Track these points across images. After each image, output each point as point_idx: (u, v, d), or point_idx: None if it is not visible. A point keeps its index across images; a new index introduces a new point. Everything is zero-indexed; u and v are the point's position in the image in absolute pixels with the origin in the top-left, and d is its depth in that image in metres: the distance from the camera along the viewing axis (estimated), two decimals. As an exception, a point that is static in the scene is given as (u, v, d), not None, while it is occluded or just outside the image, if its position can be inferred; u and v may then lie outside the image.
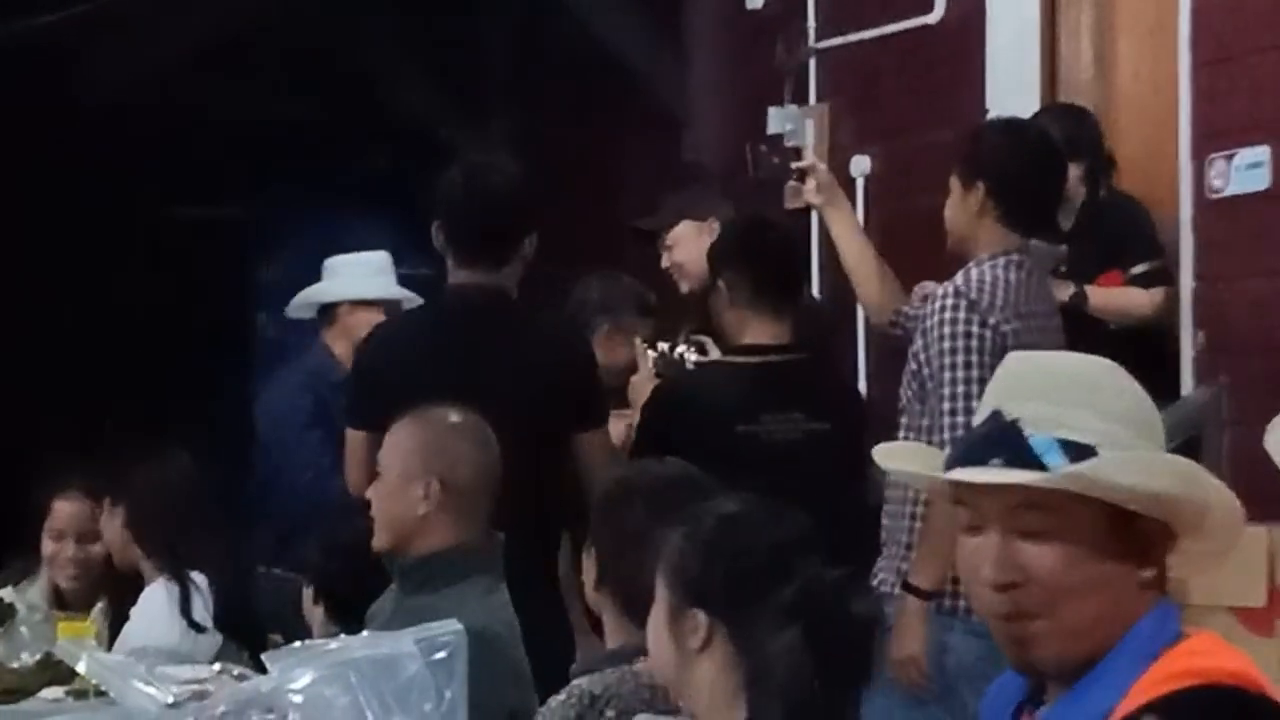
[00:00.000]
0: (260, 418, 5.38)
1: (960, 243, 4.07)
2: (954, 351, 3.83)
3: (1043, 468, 1.99)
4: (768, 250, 4.32)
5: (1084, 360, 2.13)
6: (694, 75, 7.08)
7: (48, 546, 4.58)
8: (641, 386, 4.63)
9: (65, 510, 4.57)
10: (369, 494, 3.52)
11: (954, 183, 4.07)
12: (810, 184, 4.42)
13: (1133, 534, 2.00)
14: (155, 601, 4.19)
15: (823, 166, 4.47)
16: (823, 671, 2.29)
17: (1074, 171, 4.84)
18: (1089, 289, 4.83)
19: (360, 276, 5.38)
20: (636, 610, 2.84)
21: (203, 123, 8.24)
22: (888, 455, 2.25)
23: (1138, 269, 4.90)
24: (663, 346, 4.81)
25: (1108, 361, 2.13)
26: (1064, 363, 2.15)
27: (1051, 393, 2.04)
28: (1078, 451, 1.99)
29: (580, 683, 2.84)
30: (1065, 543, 1.99)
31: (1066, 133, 4.88)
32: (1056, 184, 4.19)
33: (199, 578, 4.21)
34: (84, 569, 4.54)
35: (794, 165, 4.50)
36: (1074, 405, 2.02)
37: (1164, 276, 4.85)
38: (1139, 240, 4.96)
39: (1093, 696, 1.98)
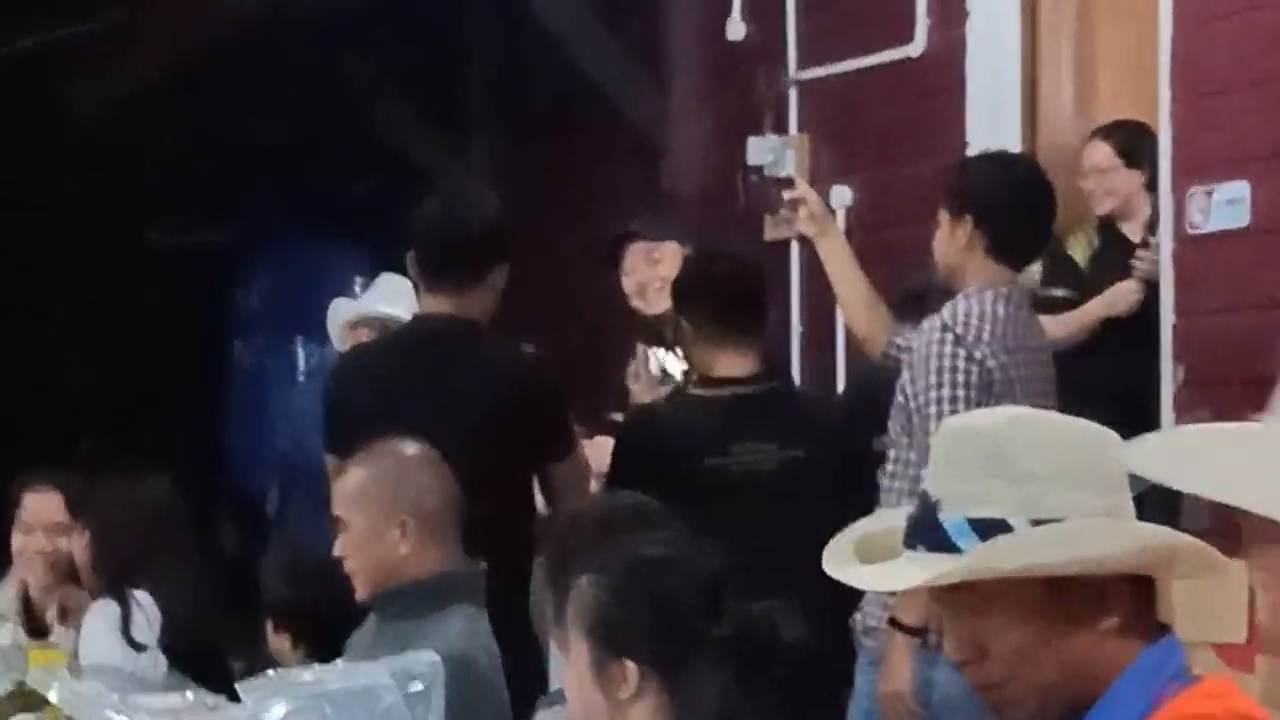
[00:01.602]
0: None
1: (949, 275, 4.04)
2: (940, 385, 3.80)
3: (957, 550, 1.98)
4: (726, 283, 4.30)
5: (991, 424, 2.06)
6: (674, 104, 7.08)
7: (17, 540, 4.59)
8: (641, 394, 4.64)
9: (36, 503, 4.59)
10: (338, 550, 3.45)
11: (942, 215, 4.04)
12: (803, 214, 4.39)
13: (1079, 591, 1.97)
14: (97, 620, 4.23)
15: (815, 196, 4.44)
16: (760, 705, 2.26)
17: (1137, 180, 5.08)
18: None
19: (391, 294, 5.40)
20: None
21: (182, 147, 8.22)
22: (829, 556, 2.16)
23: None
24: (657, 354, 4.82)
25: (1019, 416, 2.09)
26: (971, 430, 2.07)
27: (964, 467, 2.01)
28: (986, 529, 1.96)
29: (543, 715, 2.84)
30: (1011, 614, 1.98)
31: (1124, 144, 5.03)
32: (1046, 216, 4.14)
33: (143, 597, 4.23)
34: (52, 563, 4.53)
35: (786, 195, 4.47)
36: (985, 477, 1.99)
37: None
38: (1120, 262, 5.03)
39: None
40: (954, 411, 3.74)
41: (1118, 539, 1.98)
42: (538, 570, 4.34)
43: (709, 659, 2.27)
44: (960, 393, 3.78)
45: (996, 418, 2.10)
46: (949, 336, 3.84)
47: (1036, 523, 1.97)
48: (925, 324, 3.93)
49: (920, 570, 1.99)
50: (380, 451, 3.47)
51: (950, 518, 1.99)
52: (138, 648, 4.15)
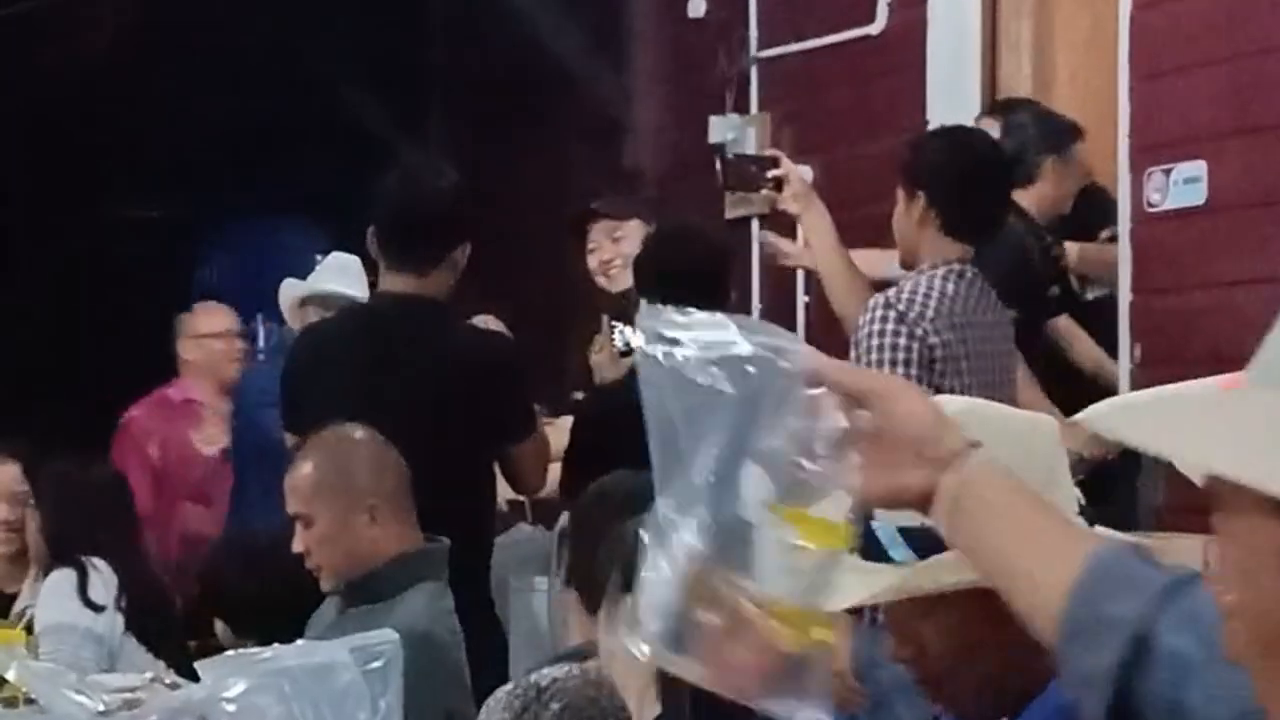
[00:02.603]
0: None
1: (907, 253, 4.02)
2: (880, 364, 3.75)
3: (889, 559, 1.97)
4: (687, 261, 4.29)
5: None
6: (636, 83, 7.08)
7: None
8: (604, 366, 4.63)
9: None
10: (300, 546, 3.43)
11: (899, 192, 4.03)
12: (787, 192, 4.34)
13: None
14: (54, 584, 4.33)
15: (798, 172, 4.39)
16: None
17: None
18: (1067, 245, 4.88)
19: (339, 272, 5.39)
20: (599, 610, 2.88)
21: (142, 123, 8.18)
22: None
23: (1106, 233, 4.97)
24: (622, 330, 4.82)
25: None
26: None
27: None
28: (915, 538, 1.95)
29: (530, 675, 2.87)
30: (949, 616, 1.97)
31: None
32: (999, 192, 4.11)
33: (100, 562, 4.33)
34: (16, 532, 4.57)
35: (770, 173, 4.41)
36: None
37: None
38: (1104, 210, 5.01)
39: (1048, 711, 1.96)
40: None
41: None
42: (498, 551, 4.36)
43: None
44: (899, 370, 3.73)
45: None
46: (891, 314, 3.79)
47: None
48: (870, 300, 3.90)
49: (854, 589, 1.95)
50: (329, 439, 3.44)
51: (881, 525, 1.98)
52: (95, 608, 4.22)
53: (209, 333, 5.96)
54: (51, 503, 4.45)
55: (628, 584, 2.39)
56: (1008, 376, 3.96)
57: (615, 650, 2.48)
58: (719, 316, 1.69)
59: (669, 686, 2.34)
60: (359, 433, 3.45)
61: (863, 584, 1.96)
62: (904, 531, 1.96)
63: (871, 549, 1.99)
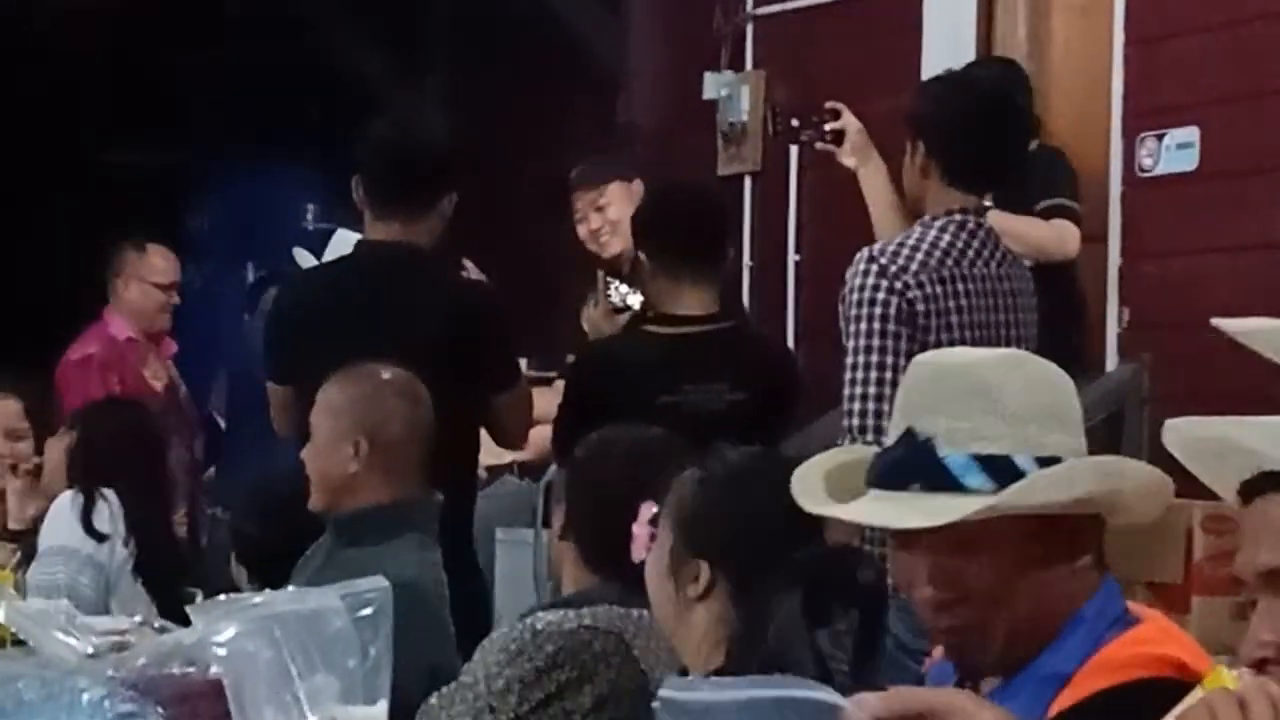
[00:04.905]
0: None
1: (914, 205, 3.84)
2: (859, 319, 3.65)
3: (961, 488, 1.96)
4: (687, 219, 4.25)
5: (980, 361, 2.05)
6: (632, 37, 7.07)
7: None
8: (598, 322, 4.62)
9: None
10: (303, 455, 3.52)
11: (908, 144, 3.90)
12: (846, 145, 4.24)
13: (1063, 530, 1.98)
14: (60, 508, 4.32)
15: (857, 125, 4.26)
16: (826, 638, 2.25)
17: None
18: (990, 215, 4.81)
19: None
20: (596, 561, 2.91)
21: (134, 69, 8.17)
22: (802, 491, 2.14)
23: (1042, 204, 4.81)
24: (618, 287, 4.81)
25: (1004, 354, 2.07)
26: (961, 367, 2.04)
27: (956, 403, 1.99)
28: (993, 466, 1.96)
29: (525, 619, 2.90)
30: (997, 554, 1.97)
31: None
32: (1003, 138, 3.86)
33: (109, 493, 4.31)
34: (9, 466, 4.58)
35: (828, 127, 4.29)
36: (981, 413, 1.97)
37: (1067, 212, 4.72)
38: (1049, 181, 4.88)
39: (1038, 679, 1.97)
40: (869, 346, 3.62)
41: (1124, 477, 2.00)
42: (485, 503, 4.37)
43: (780, 583, 2.27)
44: (877, 325, 3.63)
45: (980, 355, 2.08)
46: (873, 267, 3.66)
47: (1041, 460, 1.97)
48: (857, 254, 3.76)
49: (939, 515, 1.95)
50: (358, 371, 3.51)
51: (953, 454, 1.97)
52: (98, 537, 4.22)
53: (161, 281, 5.91)
54: (79, 436, 4.42)
55: (686, 539, 2.39)
56: (1017, 332, 3.84)
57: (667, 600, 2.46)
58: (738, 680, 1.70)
59: (740, 639, 2.33)
60: (386, 373, 3.50)
61: (945, 506, 1.95)
62: (978, 460, 1.96)
63: (942, 479, 1.97)
